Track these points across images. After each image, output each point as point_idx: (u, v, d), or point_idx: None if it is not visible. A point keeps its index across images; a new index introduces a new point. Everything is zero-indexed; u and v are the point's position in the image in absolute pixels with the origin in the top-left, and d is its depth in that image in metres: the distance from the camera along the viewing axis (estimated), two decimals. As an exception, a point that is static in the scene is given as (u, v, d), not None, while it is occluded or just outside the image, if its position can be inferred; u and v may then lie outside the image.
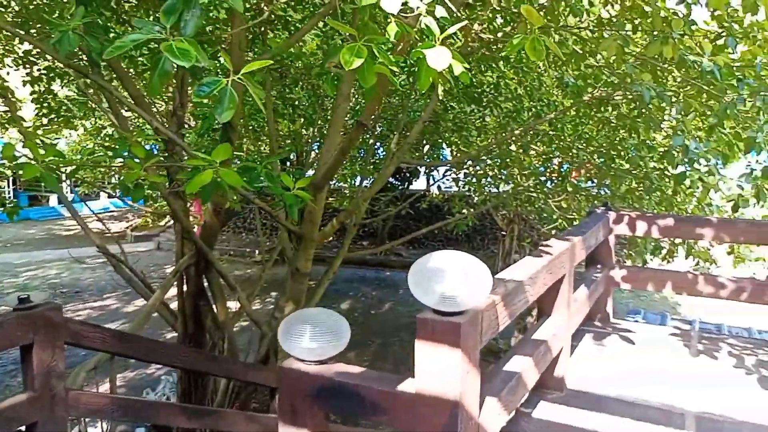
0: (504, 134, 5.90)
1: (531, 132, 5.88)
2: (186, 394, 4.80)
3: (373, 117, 4.74)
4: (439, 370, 1.42)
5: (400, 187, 15.66)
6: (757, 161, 5.50)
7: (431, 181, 14.67)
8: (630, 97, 4.45)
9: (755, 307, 3.37)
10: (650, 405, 2.55)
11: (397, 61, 2.27)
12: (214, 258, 4.74)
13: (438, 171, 12.26)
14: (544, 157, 5.95)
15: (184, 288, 4.83)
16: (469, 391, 1.47)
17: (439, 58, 1.64)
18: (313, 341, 1.64)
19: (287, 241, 5.31)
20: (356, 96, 6.40)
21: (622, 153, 5.29)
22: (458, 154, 7.30)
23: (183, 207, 4.72)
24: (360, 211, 5.84)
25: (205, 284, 4.83)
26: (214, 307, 4.90)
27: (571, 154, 5.90)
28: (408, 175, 14.96)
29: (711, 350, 3.17)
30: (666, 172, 4.74)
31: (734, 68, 3.97)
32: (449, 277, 1.51)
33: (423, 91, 5.68)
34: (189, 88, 4.82)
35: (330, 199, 11.74)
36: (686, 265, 6.10)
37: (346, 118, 5.97)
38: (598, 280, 3.29)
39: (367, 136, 6.95)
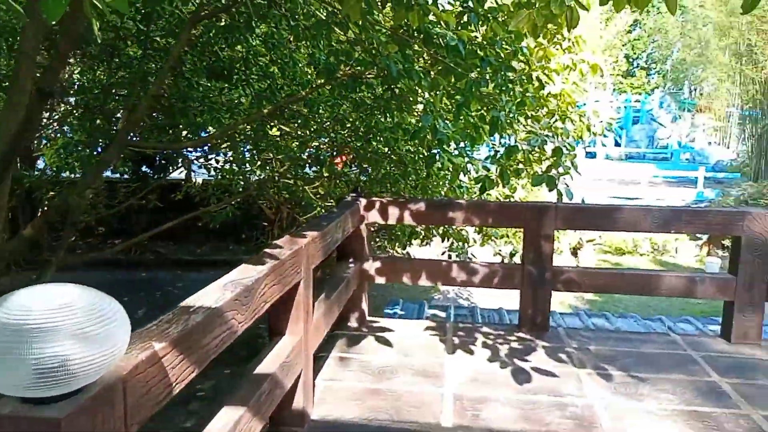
0: (254, 114, 5.28)
1: (286, 112, 5.37)
2: None
3: (61, 84, 3.71)
4: None
5: (156, 177, 14.20)
6: (500, 143, 5.72)
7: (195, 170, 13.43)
8: (382, 76, 4.19)
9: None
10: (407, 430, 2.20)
11: None
12: None
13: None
14: (300, 140, 5.49)
15: None
16: None
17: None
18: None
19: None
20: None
21: (378, 136, 5.06)
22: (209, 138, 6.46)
23: None
24: (78, 207, 4.73)
25: None
26: None
27: (329, 137, 5.53)
28: (165, 163, 13.52)
29: (466, 344, 3.00)
30: (420, 155, 4.61)
31: (477, 47, 3.91)
32: (44, 334, 0.85)
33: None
34: None
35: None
36: (443, 247, 6.27)
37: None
38: (349, 276, 2.89)
39: (90, 113, 5.75)
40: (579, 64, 4.77)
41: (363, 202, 3.07)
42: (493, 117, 3.87)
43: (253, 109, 5.98)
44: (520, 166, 4.67)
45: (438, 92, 4.00)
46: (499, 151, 5.44)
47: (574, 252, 17.03)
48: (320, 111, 5.62)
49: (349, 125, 5.43)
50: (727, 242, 16.06)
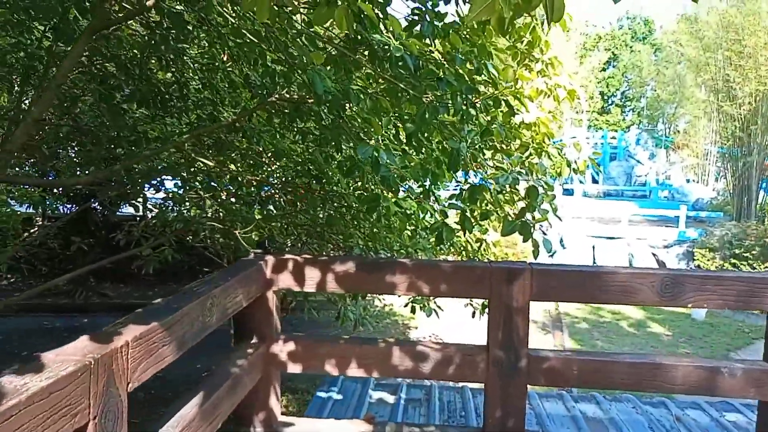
0: (174, 142, 4.50)
1: (220, 143, 4.61)
2: None
3: None
4: None
5: (105, 213, 13.33)
6: (466, 180, 4.99)
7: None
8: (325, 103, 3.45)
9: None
10: None
11: None
12: None
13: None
14: (232, 175, 4.70)
15: None
16: None
17: None
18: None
19: None
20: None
21: (327, 171, 4.30)
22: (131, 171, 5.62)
23: None
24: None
25: None
26: None
27: (268, 173, 4.77)
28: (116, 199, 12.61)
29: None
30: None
31: (433, 64, 3.21)
32: None
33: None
34: None
35: None
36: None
37: None
38: (245, 366, 2.08)
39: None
40: (555, 89, 4.12)
41: (271, 260, 2.27)
42: (452, 149, 3.15)
43: (182, 138, 5.21)
44: (490, 207, 3.94)
45: (384, 118, 3.26)
46: (464, 189, 4.70)
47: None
48: (262, 142, 4.86)
49: (294, 159, 4.67)
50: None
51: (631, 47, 44.62)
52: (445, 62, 3.27)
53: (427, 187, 5.27)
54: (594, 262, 15.83)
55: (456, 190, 5.25)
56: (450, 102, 3.47)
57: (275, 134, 4.82)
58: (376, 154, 2.70)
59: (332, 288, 2.25)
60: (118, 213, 13.50)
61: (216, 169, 4.39)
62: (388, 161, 2.77)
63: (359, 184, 3.47)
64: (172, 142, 4.08)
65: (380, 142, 2.75)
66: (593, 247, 16.62)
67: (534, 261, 2.26)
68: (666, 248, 16.81)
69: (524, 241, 3.26)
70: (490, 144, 3.48)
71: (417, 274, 2.25)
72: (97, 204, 12.32)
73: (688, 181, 26.86)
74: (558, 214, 3.30)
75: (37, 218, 13.01)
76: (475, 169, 3.44)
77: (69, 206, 12.94)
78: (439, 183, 4.99)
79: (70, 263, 13.09)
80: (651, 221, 19.13)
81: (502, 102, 3.22)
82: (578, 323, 13.41)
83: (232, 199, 4.96)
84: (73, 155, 6.39)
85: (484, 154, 3.28)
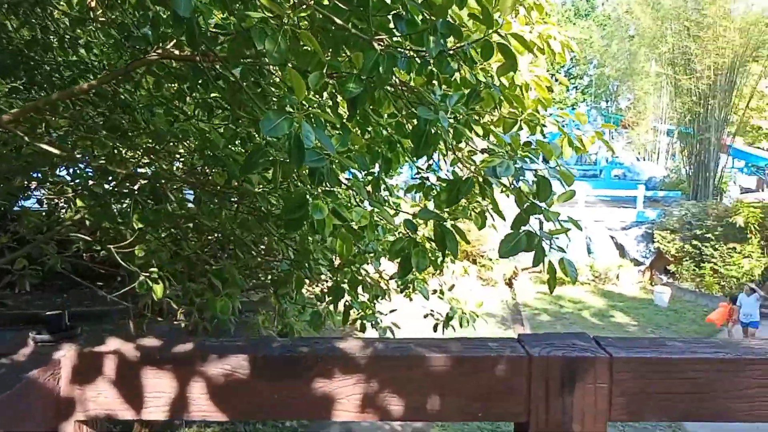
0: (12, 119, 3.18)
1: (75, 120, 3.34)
2: None
3: None
4: None
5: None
6: (430, 168, 3.90)
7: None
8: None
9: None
10: None
11: None
12: None
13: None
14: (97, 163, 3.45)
15: None
16: None
17: None
18: None
19: None
20: None
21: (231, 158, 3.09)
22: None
23: None
24: None
25: None
26: None
27: (155, 159, 3.56)
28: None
29: None
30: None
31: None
32: None
33: None
34: None
35: None
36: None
37: None
38: None
39: None
40: (547, 41, 3.08)
41: (69, 358, 1.10)
42: (420, 122, 2.04)
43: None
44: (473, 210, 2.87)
45: (313, 74, 2.10)
46: (431, 184, 3.60)
47: (509, 282, 15.63)
48: (149, 118, 3.58)
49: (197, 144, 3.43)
50: (672, 267, 15.18)
51: (574, 23, 44.61)
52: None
53: (375, 175, 4.14)
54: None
55: (415, 179, 4.12)
56: (411, 52, 2.34)
57: (170, 108, 3.56)
58: (296, 130, 1.54)
59: (204, 412, 1.11)
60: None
61: (65, 155, 3.11)
62: (318, 141, 1.61)
63: (278, 179, 2.29)
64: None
65: (293, 107, 1.59)
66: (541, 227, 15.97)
67: (609, 339, 1.18)
68: (624, 230, 16.35)
69: (535, 264, 2.19)
70: (476, 113, 2.37)
71: (376, 379, 1.12)
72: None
73: (638, 159, 26.81)
74: (580, 226, 2.25)
75: None
76: (456, 153, 2.33)
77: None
78: (392, 171, 3.87)
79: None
80: (607, 202, 18.70)
81: (496, 48, 2.10)
82: (539, 315, 12.69)
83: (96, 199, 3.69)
84: None
85: (471, 130, 2.16)
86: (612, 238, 16.12)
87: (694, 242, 14.46)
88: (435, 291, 4.99)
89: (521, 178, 2.17)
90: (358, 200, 2.19)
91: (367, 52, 2.03)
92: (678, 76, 16.85)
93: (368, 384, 1.09)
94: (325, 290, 3.12)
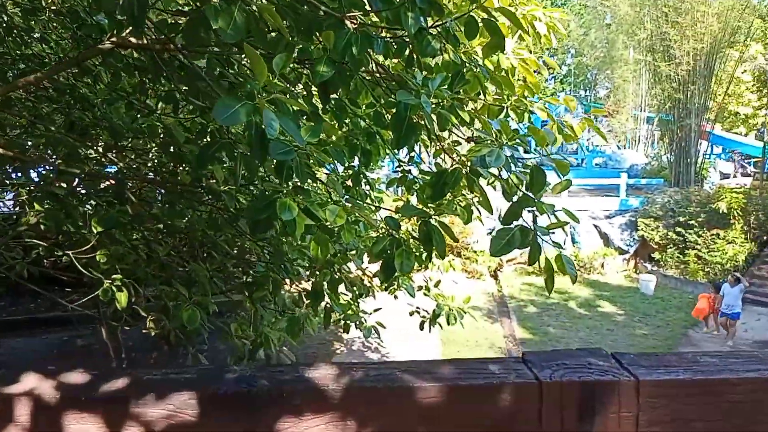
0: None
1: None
2: None
3: None
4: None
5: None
6: (414, 161, 3.74)
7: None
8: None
9: None
10: None
11: None
12: None
13: None
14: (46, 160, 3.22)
15: None
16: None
17: None
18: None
19: None
20: None
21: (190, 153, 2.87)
22: None
23: None
24: None
25: None
26: None
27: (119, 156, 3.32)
28: None
29: None
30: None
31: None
32: None
33: None
34: None
35: None
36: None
37: None
38: None
39: None
40: (532, 22, 2.93)
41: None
42: (400, 108, 1.85)
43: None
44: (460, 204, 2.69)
45: (279, 56, 1.89)
46: (413, 177, 3.42)
47: (495, 274, 15.51)
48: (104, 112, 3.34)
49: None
50: (656, 255, 15.18)
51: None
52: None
53: (356, 169, 3.97)
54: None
55: (395, 173, 3.95)
56: (388, 33, 2.16)
57: (132, 103, 3.32)
58: (257, 119, 1.33)
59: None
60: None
61: (19, 157, 2.86)
62: (284, 130, 1.40)
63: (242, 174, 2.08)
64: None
65: (255, 91, 1.39)
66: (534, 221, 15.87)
67: (632, 357, 1.00)
68: (608, 219, 16.31)
69: (530, 263, 2.01)
70: (461, 97, 2.17)
71: (354, 417, 0.92)
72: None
73: (618, 147, 26.87)
74: (577, 219, 2.07)
75: None
76: (440, 143, 2.14)
77: None
78: (373, 164, 3.68)
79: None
80: (590, 191, 18.67)
81: (481, 24, 1.91)
82: (525, 307, 12.60)
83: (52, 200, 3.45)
84: None
85: (457, 115, 1.96)
86: (596, 227, 16.08)
87: (678, 229, 14.46)
88: (420, 287, 4.81)
89: (512, 168, 1.99)
90: (335, 197, 1.99)
91: (339, 32, 1.83)
92: (657, 62, 16.81)
93: (345, 423, 0.89)
94: (304, 292, 2.91)
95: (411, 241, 2.05)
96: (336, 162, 2.95)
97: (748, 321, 11.55)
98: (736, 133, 25.07)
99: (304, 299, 2.98)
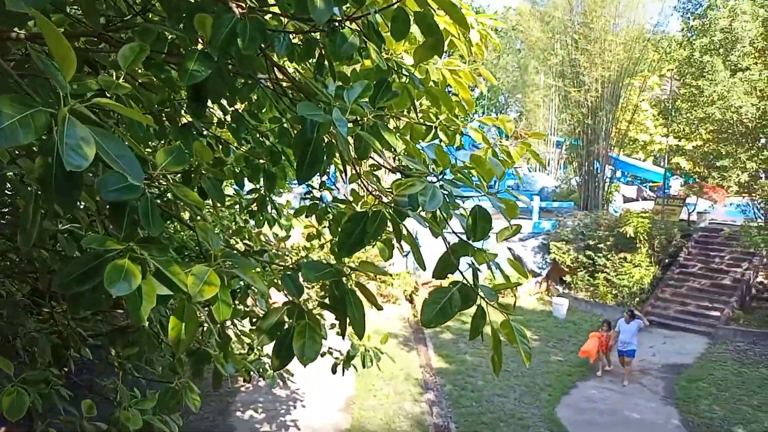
0: None
1: None
2: None
3: None
4: None
5: None
6: (324, 187, 3.25)
7: None
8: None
9: None
10: None
11: None
12: None
13: None
14: None
15: None
16: None
17: None
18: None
19: None
20: None
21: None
22: None
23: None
24: None
25: None
26: None
27: None
28: None
29: None
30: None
31: None
32: None
33: None
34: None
35: None
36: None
37: None
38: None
39: None
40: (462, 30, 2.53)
41: None
42: (306, 126, 1.35)
43: None
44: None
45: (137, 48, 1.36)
46: (327, 205, 2.96)
47: (410, 298, 15.20)
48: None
49: None
50: (567, 278, 15.41)
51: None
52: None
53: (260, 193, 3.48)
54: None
55: (305, 199, 3.47)
56: (291, 26, 1.68)
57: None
58: (55, 137, 0.79)
59: None
60: None
61: None
62: (109, 157, 0.87)
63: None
64: None
65: (75, 105, 0.88)
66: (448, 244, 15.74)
67: None
68: (522, 241, 16.47)
69: (471, 338, 1.57)
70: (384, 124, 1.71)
71: None
72: None
73: (529, 170, 27.56)
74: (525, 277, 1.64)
75: None
76: (357, 168, 1.66)
77: None
78: (277, 188, 3.20)
79: None
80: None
81: (412, 18, 1.45)
82: (442, 333, 12.30)
83: None
84: None
85: (382, 140, 1.49)
86: (510, 249, 16.18)
87: (588, 252, 14.76)
88: (333, 326, 4.30)
89: (450, 210, 1.54)
90: (210, 244, 1.46)
91: (222, 18, 1.32)
92: (567, 88, 17.30)
93: None
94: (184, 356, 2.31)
95: (318, 309, 1.55)
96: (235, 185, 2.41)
97: (655, 344, 11.81)
98: (636, 158, 26.46)
99: (182, 367, 2.37)
